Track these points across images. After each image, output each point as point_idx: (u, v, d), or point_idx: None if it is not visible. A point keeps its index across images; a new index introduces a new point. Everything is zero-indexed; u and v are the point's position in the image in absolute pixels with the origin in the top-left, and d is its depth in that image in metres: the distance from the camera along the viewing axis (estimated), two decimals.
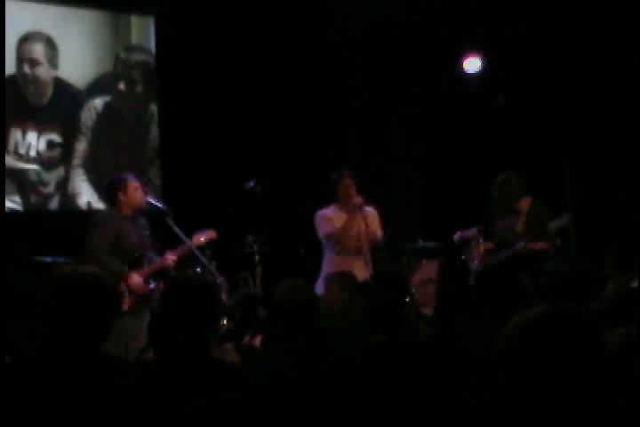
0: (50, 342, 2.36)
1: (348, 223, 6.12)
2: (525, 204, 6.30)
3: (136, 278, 5.47)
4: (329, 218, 6.20)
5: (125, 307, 5.42)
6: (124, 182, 5.59)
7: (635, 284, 4.12)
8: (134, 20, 8.28)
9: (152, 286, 5.61)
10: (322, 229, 6.19)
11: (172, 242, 5.82)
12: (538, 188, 6.71)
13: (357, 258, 6.18)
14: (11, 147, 7.41)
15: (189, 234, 5.77)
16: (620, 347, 2.79)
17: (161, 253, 5.74)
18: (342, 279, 4.46)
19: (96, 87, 7.98)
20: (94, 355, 2.40)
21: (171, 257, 5.64)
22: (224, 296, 6.51)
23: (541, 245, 6.20)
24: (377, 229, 6.29)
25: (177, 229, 5.67)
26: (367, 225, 6.12)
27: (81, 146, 7.88)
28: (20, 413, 2.24)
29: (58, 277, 2.46)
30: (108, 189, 5.78)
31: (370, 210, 6.27)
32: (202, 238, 5.83)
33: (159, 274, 5.68)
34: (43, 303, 2.39)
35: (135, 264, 5.52)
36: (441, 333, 3.63)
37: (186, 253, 5.80)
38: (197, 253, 5.86)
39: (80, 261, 5.46)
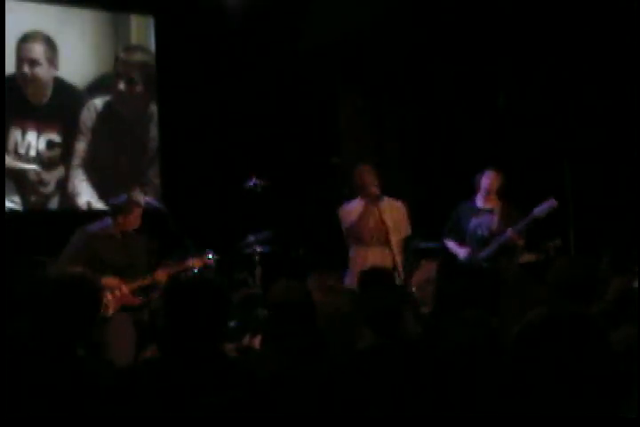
0: (32, 341, 2.32)
1: (362, 214, 6.14)
2: (497, 204, 6.37)
3: (108, 279, 5.38)
4: (349, 211, 6.23)
5: (108, 313, 5.38)
6: (131, 208, 5.57)
7: (635, 284, 4.12)
8: (134, 20, 8.27)
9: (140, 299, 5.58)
10: (343, 224, 6.24)
11: (172, 243, 5.81)
12: (538, 188, 6.72)
13: (377, 249, 6.16)
14: (10, 147, 7.41)
15: (189, 235, 5.75)
16: (622, 347, 2.78)
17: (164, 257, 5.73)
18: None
19: (96, 87, 7.97)
20: (75, 355, 2.36)
21: (161, 274, 5.59)
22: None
23: (520, 242, 6.30)
24: (403, 223, 6.28)
25: (177, 230, 5.66)
26: (382, 217, 6.10)
27: (81, 146, 7.87)
28: (7, 413, 2.21)
29: (42, 278, 2.43)
30: (114, 207, 5.69)
31: (394, 204, 6.29)
32: (197, 262, 5.77)
33: (148, 288, 5.64)
34: (26, 302, 2.36)
35: (125, 276, 5.51)
36: (438, 332, 3.61)
37: (180, 271, 5.74)
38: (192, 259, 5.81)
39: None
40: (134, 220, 5.58)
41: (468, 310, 3.56)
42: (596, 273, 3.53)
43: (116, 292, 5.43)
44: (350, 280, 5.77)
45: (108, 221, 5.61)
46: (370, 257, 6.08)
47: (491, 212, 6.38)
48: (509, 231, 6.20)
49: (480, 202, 6.46)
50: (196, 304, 2.49)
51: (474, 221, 6.41)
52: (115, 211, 5.63)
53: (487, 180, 6.41)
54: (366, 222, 6.15)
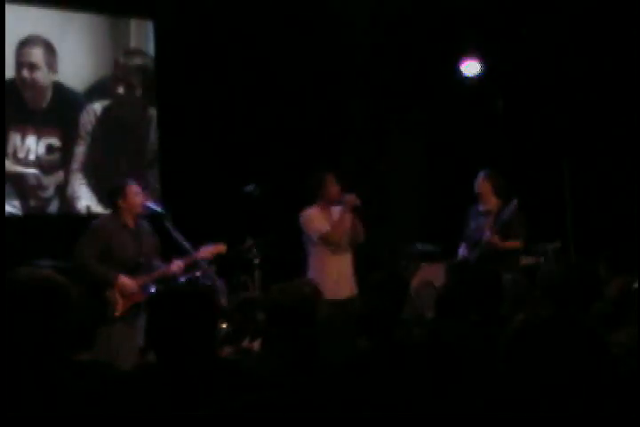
0: (12, 348, 2.27)
1: (340, 221, 5.91)
2: (495, 205, 6.35)
3: (125, 280, 5.34)
4: (319, 217, 5.97)
5: (117, 313, 5.35)
6: (124, 188, 5.53)
7: (635, 285, 4.11)
8: (133, 24, 8.28)
9: (152, 290, 5.55)
10: (314, 229, 5.93)
11: (172, 246, 5.79)
12: (537, 190, 6.73)
13: (347, 256, 6.06)
14: (10, 151, 7.41)
15: (189, 238, 5.73)
16: (622, 348, 2.78)
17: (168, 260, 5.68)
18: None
19: (95, 91, 7.98)
20: (64, 362, 2.31)
21: (177, 264, 5.55)
22: (223, 300, 6.50)
23: (511, 243, 6.24)
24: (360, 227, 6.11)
25: (176, 233, 5.64)
26: (354, 223, 5.95)
27: (80, 150, 7.87)
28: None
29: (9, 282, 2.34)
30: (108, 195, 5.69)
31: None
32: (209, 252, 5.73)
33: (163, 281, 5.60)
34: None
35: (134, 271, 5.46)
36: (438, 335, 3.61)
37: (192, 262, 5.71)
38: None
39: (68, 267, 5.44)
40: (135, 198, 5.46)
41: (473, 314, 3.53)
42: (590, 277, 3.47)
43: (125, 292, 5.35)
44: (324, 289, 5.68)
45: (111, 214, 5.58)
46: (341, 264, 5.97)
47: (487, 214, 6.36)
48: (486, 234, 6.19)
49: (480, 204, 6.46)
50: (180, 312, 2.46)
51: (473, 224, 6.42)
52: (111, 197, 5.55)
53: (476, 182, 6.43)
54: (343, 229, 5.94)
